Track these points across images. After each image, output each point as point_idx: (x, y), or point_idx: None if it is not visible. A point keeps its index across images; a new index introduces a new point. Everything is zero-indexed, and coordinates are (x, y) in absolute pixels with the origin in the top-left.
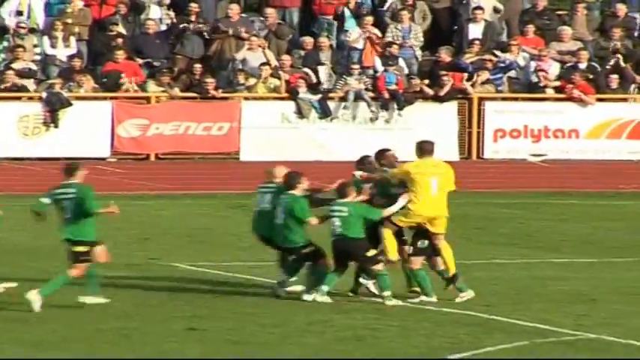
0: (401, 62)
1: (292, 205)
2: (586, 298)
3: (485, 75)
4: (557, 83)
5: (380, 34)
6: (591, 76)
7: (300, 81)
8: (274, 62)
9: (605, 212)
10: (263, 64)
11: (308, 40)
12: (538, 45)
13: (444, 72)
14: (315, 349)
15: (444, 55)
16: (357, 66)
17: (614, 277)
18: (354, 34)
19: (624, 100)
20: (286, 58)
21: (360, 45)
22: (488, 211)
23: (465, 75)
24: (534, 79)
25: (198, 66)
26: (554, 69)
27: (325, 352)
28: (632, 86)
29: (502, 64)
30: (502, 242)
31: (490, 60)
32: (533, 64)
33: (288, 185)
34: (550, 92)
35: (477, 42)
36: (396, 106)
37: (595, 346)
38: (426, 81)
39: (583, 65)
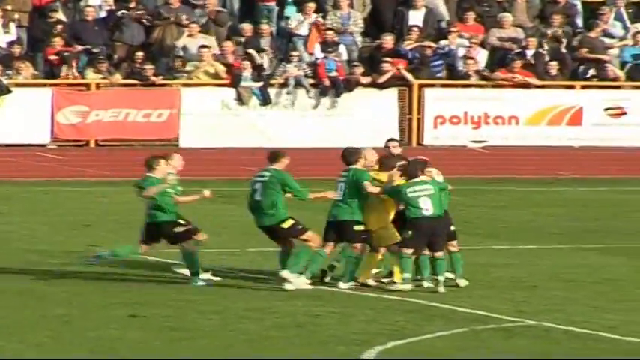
0: (342, 49)
1: (353, 178)
2: (526, 285)
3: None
4: (500, 72)
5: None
6: (533, 62)
7: (245, 63)
8: (215, 49)
9: (544, 199)
10: (202, 46)
11: (247, 27)
12: (478, 32)
13: (384, 59)
14: (253, 336)
15: (387, 41)
16: (296, 53)
17: (553, 263)
18: (296, 21)
19: (565, 86)
20: (226, 45)
21: (303, 32)
22: None
23: (405, 62)
24: (461, 66)
25: (140, 53)
26: (482, 56)
27: (264, 339)
28: (590, 71)
29: (442, 51)
30: None
31: (430, 47)
32: (462, 51)
33: (347, 162)
34: (474, 79)
35: (417, 29)
36: (335, 93)
37: (535, 332)
38: (361, 70)
39: (530, 52)
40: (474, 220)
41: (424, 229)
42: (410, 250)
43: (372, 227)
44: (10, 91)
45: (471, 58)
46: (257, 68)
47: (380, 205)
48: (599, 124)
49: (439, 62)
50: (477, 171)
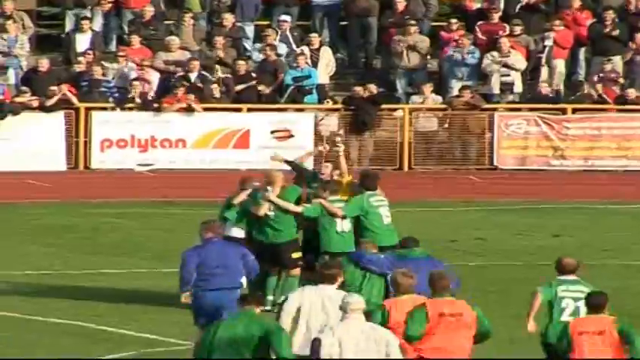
0: (10, 72)
1: None
2: None
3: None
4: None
5: None
6: (198, 85)
7: None
8: None
9: None
10: None
11: None
12: (145, 55)
13: (55, 82)
14: None
15: (43, 64)
16: None
17: None
18: None
19: (231, 109)
20: None
21: None
22: (96, 221)
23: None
24: (133, 88)
25: None
26: (155, 79)
27: None
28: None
29: (111, 75)
30: (110, 252)
31: (98, 71)
32: (133, 74)
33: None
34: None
35: (90, 52)
36: (0, 117)
37: None
38: (28, 93)
39: (194, 75)
40: (145, 243)
41: None
42: None
43: None
44: None
45: (144, 81)
46: None
47: None
48: (266, 146)
49: (112, 85)
50: (145, 194)
